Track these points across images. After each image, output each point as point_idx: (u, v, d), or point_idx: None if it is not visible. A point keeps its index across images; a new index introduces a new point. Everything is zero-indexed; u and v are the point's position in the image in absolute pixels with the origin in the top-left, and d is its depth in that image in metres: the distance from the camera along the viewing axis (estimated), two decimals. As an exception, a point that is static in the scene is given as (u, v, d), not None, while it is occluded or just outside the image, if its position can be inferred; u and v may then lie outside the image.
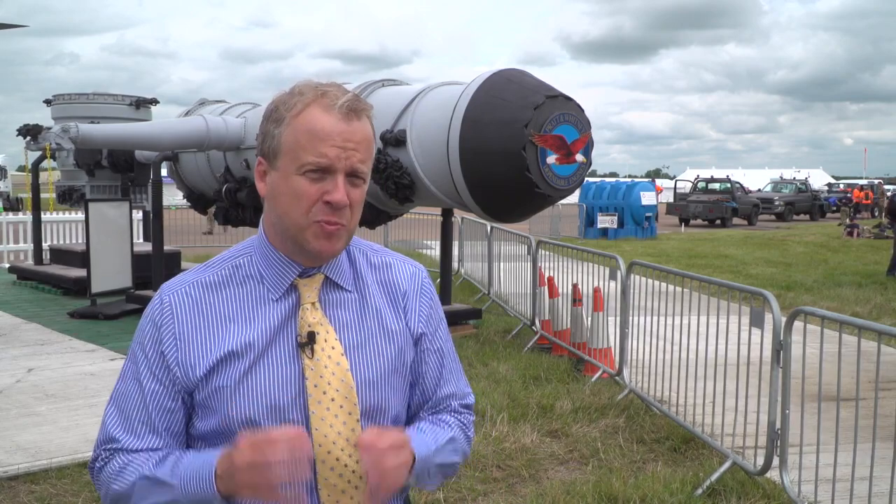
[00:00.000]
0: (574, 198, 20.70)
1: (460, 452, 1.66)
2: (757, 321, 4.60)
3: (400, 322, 1.60)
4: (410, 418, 1.67)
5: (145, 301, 10.08)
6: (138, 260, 10.78)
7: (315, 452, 1.45)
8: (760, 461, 4.55)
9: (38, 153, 13.12)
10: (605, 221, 24.40)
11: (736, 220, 32.87)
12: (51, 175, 15.31)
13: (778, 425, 4.37)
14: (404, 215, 10.73)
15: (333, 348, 1.50)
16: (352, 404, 1.49)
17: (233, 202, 10.19)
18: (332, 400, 1.48)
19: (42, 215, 13.94)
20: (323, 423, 1.46)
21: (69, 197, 13.48)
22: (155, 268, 10.17)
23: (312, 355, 1.48)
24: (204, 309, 1.50)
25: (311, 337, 1.49)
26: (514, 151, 7.16)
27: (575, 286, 7.64)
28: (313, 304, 1.52)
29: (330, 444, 1.46)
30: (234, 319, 1.49)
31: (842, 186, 49.50)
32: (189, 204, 12.39)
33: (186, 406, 1.51)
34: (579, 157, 7.47)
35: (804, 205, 38.63)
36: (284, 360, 1.48)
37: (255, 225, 9.85)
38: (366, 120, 1.48)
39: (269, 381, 1.47)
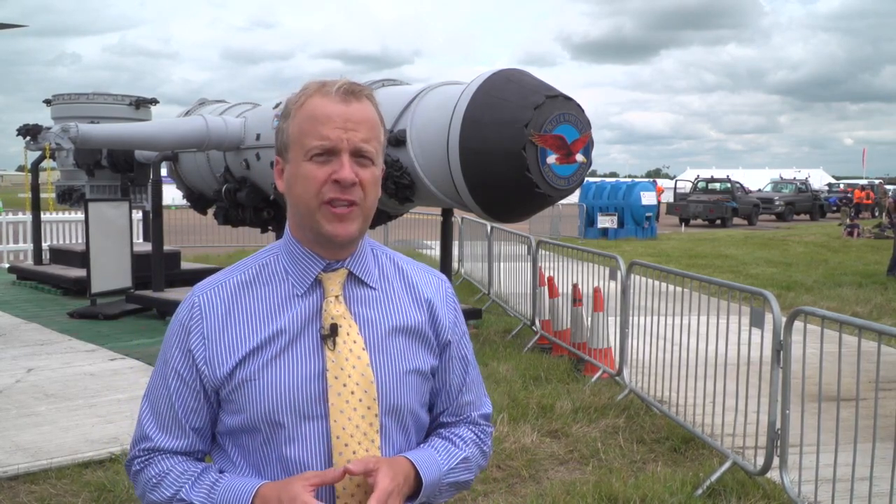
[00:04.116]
0: (574, 198, 20.69)
1: (474, 470, 1.68)
2: (757, 321, 4.60)
3: (424, 324, 1.62)
4: (432, 420, 1.70)
5: (145, 301, 10.09)
6: (138, 260, 10.78)
7: (332, 444, 1.49)
8: (760, 461, 4.55)
9: (38, 153, 13.12)
10: (605, 221, 24.38)
11: (736, 220, 32.84)
12: (49, 175, 15.28)
13: (778, 425, 4.37)
14: (404, 215, 10.73)
15: (355, 342, 1.53)
16: (371, 398, 1.51)
17: (233, 202, 10.17)
18: (352, 393, 1.50)
19: (42, 215, 13.94)
20: (341, 416, 1.49)
21: (69, 197, 13.47)
22: (155, 268, 10.16)
23: (334, 347, 1.51)
24: (232, 308, 1.54)
25: (334, 329, 1.52)
26: (514, 151, 7.15)
27: (575, 286, 7.63)
28: (337, 297, 1.55)
29: (347, 437, 1.49)
30: (261, 316, 1.53)
31: (842, 186, 49.46)
32: (189, 204, 12.38)
33: (211, 404, 1.55)
34: (579, 157, 7.46)
35: (804, 205, 38.60)
36: (309, 353, 1.52)
37: (256, 225, 9.75)
38: (366, 101, 1.52)
39: (293, 374, 1.50)
